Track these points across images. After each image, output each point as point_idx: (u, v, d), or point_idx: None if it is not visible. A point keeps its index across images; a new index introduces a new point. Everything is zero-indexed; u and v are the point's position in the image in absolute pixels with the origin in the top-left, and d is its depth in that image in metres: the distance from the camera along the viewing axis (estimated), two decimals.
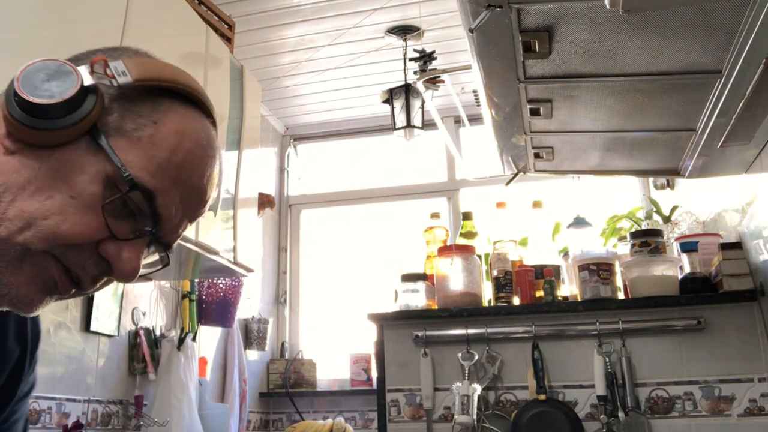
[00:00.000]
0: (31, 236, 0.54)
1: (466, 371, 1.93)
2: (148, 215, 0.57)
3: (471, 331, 1.96)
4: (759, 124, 1.43)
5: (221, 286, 2.75)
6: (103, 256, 0.57)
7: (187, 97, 0.63)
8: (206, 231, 2.00)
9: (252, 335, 3.18)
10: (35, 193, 0.54)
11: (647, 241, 1.94)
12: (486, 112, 1.53)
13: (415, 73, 2.96)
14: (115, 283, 0.59)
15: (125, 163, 0.55)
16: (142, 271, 0.61)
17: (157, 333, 2.42)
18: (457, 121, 3.57)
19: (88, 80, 0.55)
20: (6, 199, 0.54)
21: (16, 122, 0.53)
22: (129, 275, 0.58)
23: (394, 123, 2.98)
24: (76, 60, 0.60)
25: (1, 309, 0.57)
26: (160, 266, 0.65)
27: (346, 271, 3.58)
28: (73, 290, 0.58)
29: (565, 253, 2.17)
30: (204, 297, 2.73)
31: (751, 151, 1.61)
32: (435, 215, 2.43)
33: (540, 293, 2.02)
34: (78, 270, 0.57)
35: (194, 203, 0.62)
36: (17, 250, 0.54)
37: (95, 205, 0.55)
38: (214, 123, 0.67)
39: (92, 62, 0.56)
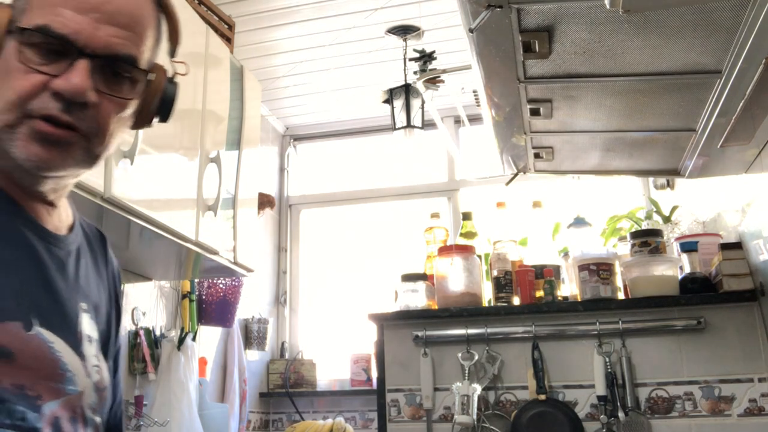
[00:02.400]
0: (5, 117, 0.66)
1: (466, 371, 1.93)
2: (57, 42, 0.66)
3: (471, 331, 1.96)
4: (759, 124, 1.43)
5: (221, 286, 2.75)
6: (56, 92, 0.66)
7: None
8: (206, 231, 2.00)
9: (252, 335, 3.18)
10: None
11: (647, 241, 1.93)
12: (486, 112, 1.53)
13: (415, 73, 2.96)
14: None
15: (22, 24, 0.65)
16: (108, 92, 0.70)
17: (157, 333, 2.42)
18: (457, 121, 3.57)
19: None
20: None
21: None
22: (78, 88, 0.66)
23: (394, 123, 2.98)
24: None
25: (42, 177, 0.69)
26: (142, 74, 0.73)
27: (346, 271, 3.58)
28: (64, 130, 0.67)
29: (565, 253, 2.17)
30: (204, 297, 2.73)
31: (751, 151, 1.61)
32: (435, 215, 2.43)
33: (540, 293, 2.02)
34: (46, 111, 0.66)
35: (97, 6, 0.68)
36: (4, 132, 0.66)
37: (23, 68, 0.65)
38: None
39: None
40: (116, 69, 0.69)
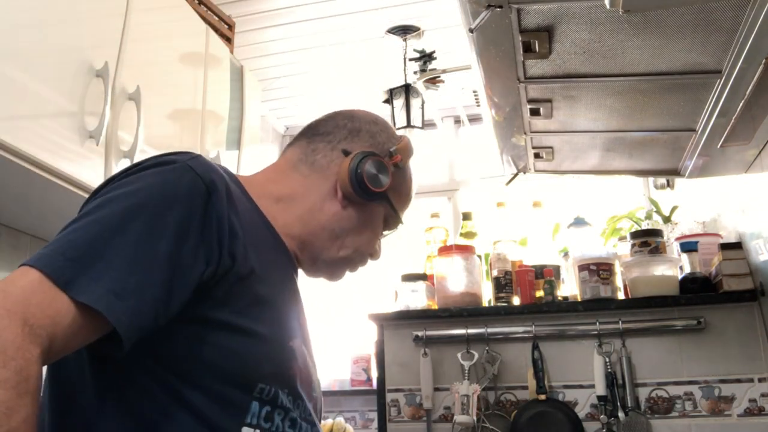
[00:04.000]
0: (356, 258, 0.97)
1: (466, 371, 1.93)
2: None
3: (471, 331, 1.96)
4: (759, 124, 1.43)
5: None
6: (373, 255, 1.00)
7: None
8: None
9: None
10: (357, 233, 0.95)
11: (647, 241, 1.93)
12: (486, 112, 1.54)
13: (415, 73, 2.96)
14: None
15: (397, 208, 0.99)
16: None
17: None
18: (457, 121, 3.57)
19: (392, 169, 0.95)
20: (344, 235, 0.94)
21: (353, 193, 0.92)
22: (377, 258, 1.02)
23: (394, 123, 2.98)
24: (379, 142, 0.97)
25: (318, 276, 1.00)
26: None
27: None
28: None
29: (565, 253, 2.17)
30: None
31: (751, 151, 1.61)
32: (435, 215, 2.43)
33: (540, 293, 2.02)
34: (363, 262, 1.00)
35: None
36: (347, 261, 0.97)
37: (379, 234, 0.99)
38: None
39: (394, 161, 0.96)
40: None
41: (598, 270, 1.92)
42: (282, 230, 0.91)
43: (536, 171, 1.91)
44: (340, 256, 0.95)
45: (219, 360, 0.74)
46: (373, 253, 1.00)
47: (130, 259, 0.68)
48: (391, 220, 1.00)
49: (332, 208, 0.94)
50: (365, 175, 0.91)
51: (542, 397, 1.86)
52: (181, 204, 0.73)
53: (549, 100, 1.45)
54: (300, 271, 1.00)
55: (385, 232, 1.02)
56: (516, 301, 2.03)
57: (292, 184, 0.95)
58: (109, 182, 0.79)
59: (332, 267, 0.98)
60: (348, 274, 1.01)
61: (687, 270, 1.92)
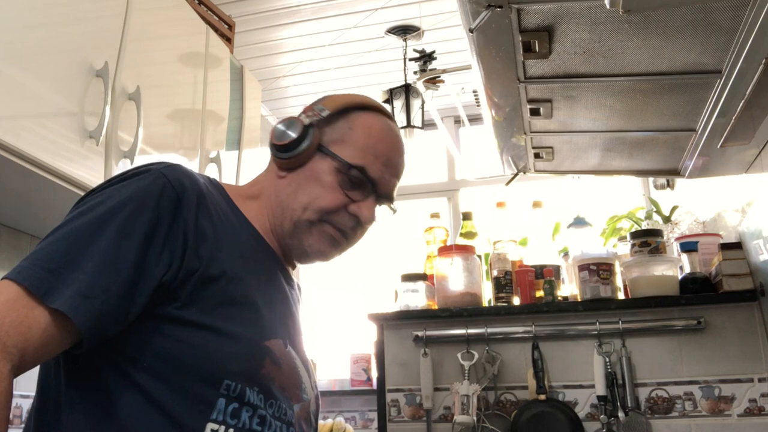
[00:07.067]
0: (308, 213, 0.93)
1: (466, 371, 1.93)
2: (366, 182, 0.95)
3: (471, 331, 1.96)
4: (759, 124, 1.43)
5: None
6: (351, 213, 0.94)
7: (366, 107, 1.00)
8: None
9: None
10: (304, 192, 0.94)
11: (647, 241, 1.93)
12: (486, 112, 1.54)
13: (415, 73, 2.97)
14: None
15: (342, 156, 0.94)
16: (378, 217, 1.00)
17: None
18: (457, 121, 3.57)
19: (306, 121, 0.95)
20: (290, 201, 0.94)
21: (280, 160, 0.95)
22: (369, 219, 0.96)
23: None
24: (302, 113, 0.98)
25: (310, 262, 0.99)
26: (393, 212, 1.04)
27: (345, 270, 3.58)
28: (345, 240, 0.97)
29: (565, 253, 2.17)
30: None
31: (751, 151, 1.61)
32: (435, 215, 2.43)
33: (540, 293, 2.02)
34: (341, 225, 0.95)
35: (394, 165, 1.00)
36: (304, 223, 0.94)
37: (335, 186, 0.94)
38: (392, 120, 1.06)
39: (305, 110, 0.98)
40: (382, 203, 1.00)
41: (598, 270, 1.92)
42: (261, 228, 0.96)
43: (536, 171, 1.91)
44: (296, 220, 0.94)
45: (180, 353, 0.78)
46: (358, 213, 0.95)
47: (99, 264, 0.74)
48: (350, 171, 0.94)
49: (277, 184, 0.98)
50: (274, 136, 0.95)
51: (542, 397, 1.86)
52: (151, 209, 0.79)
53: (549, 100, 1.45)
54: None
55: (353, 194, 0.95)
56: (516, 301, 2.03)
57: (260, 181, 1.02)
58: (92, 192, 0.84)
59: (299, 238, 0.95)
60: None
61: (687, 270, 1.92)
